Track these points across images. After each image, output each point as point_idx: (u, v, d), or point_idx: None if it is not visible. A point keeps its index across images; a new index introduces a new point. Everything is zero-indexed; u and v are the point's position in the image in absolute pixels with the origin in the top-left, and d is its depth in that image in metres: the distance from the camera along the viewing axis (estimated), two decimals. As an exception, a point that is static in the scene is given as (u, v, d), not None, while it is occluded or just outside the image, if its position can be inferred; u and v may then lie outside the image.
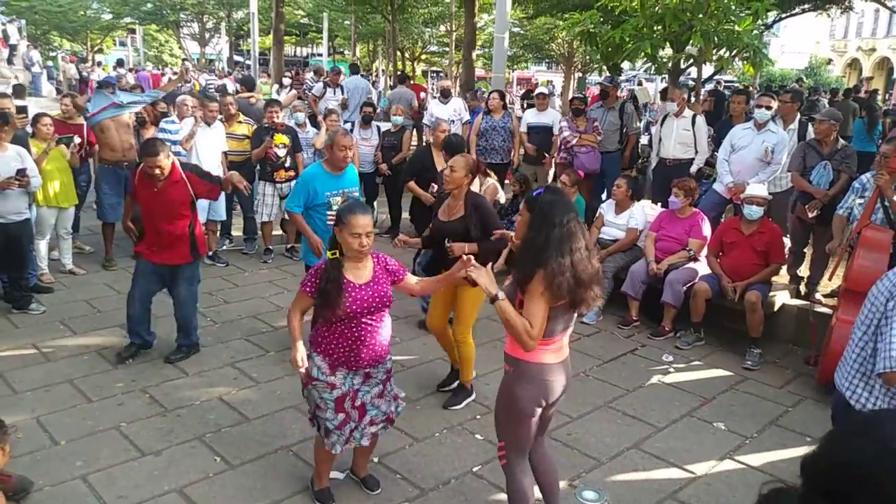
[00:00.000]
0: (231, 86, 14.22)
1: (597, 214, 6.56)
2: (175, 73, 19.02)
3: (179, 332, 5.04)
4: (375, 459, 3.81)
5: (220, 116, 7.21)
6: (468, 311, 4.41)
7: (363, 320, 3.15)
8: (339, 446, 3.26)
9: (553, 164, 8.28)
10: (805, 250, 6.33)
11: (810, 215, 5.78)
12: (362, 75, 13.81)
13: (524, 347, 2.76)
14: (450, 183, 4.27)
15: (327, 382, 3.18)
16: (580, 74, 30.80)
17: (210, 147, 6.92)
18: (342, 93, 11.18)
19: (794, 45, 43.28)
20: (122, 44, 43.98)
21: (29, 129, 6.35)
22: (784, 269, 6.08)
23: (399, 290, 3.42)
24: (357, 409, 3.27)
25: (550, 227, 2.71)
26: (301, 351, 3.18)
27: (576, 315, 2.92)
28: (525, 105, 11.07)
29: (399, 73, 16.66)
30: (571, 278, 2.67)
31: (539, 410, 2.90)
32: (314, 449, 3.45)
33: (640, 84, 18.15)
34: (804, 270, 6.33)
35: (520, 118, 8.85)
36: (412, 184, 6.54)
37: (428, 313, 4.61)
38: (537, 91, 9.62)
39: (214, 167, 6.83)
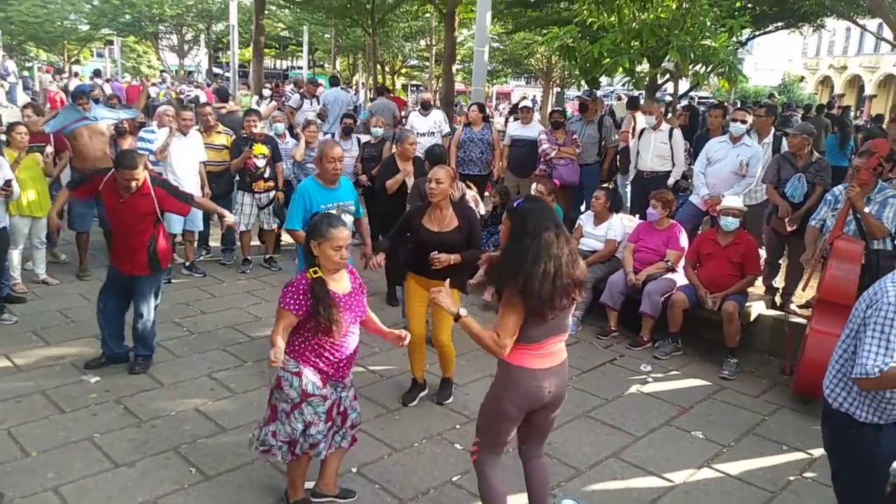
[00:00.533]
0: (204, 97, 14.19)
1: (575, 226, 6.61)
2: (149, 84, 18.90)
3: (137, 342, 4.95)
4: (354, 469, 3.77)
5: (197, 126, 7.16)
6: (446, 316, 4.42)
7: (348, 330, 3.18)
8: (324, 452, 3.28)
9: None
10: (780, 261, 6.42)
11: (789, 229, 5.87)
12: (342, 88, 13.82)
13: (496, 355, 2.85)
14: (437, 195, 4.33)
15: (321, 395, 3.18)
16: (559, 89, 31.11)
17: (186, 157, 6.85)
18: (318, 104, 11.21)
19: (768, 62, 44.13)
20: (100, 55, 43.59)
21: (3, 138, 6.27)
22: (759, 280, 6.16)
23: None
24: (340, 415, 3.32)
25: (527, 237, 2.76)
26: (280, 348, 3.03)
27: (569, 320, 2.97)
28: (512, 119, 11.17)
29: (378, 85, 16.73)
30: (544, 287, 2.71)
31: (520, 414, 2.93)
32: (288, 466, 3.40)
33: (618, 99, 18.36)
34: (779, 281, 6.41)
35: (501, 132, 8.89)
36: (389, 182, 6.60)
37: (410, 323, 4.60)
38: (521, 105, 9.67)
39: (191, 177, 6.79)
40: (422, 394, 4.72)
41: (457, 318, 2.89)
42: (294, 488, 3.43)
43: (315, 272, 3.10)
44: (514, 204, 2.95)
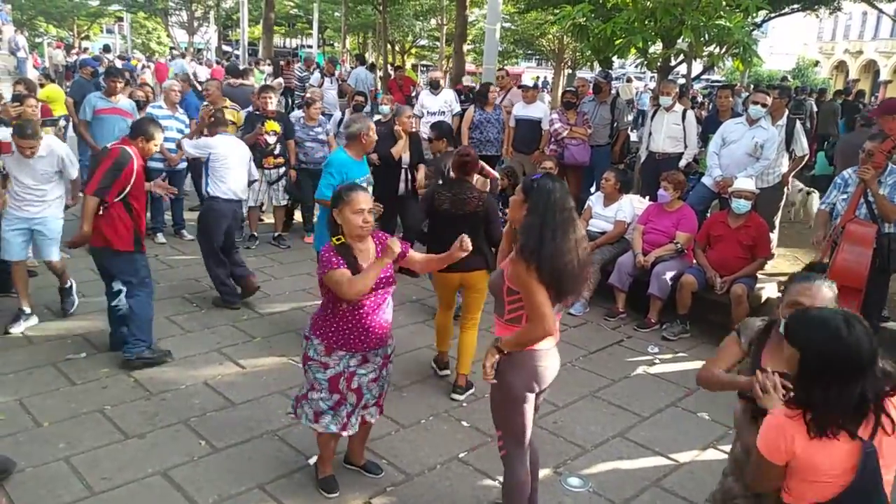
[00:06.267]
0: (206, 74, 14.42)
1: (585, 207, 6.58)
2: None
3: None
4: (361, 444, 3.80)
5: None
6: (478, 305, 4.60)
7: (367, 301, 3.12)
8: (333, 426, 3.25)
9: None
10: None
11: None
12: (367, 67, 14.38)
13: (543, 337, 2.75)
14: None
15: (320, 362, 3.18)
16: (570, 71, 30.81)
17: None
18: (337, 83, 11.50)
19: (783, 46, 43.54)
20: (110, 31, 43.55)
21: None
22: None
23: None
24: (354, 392, 3.24)
25: (548, 212, 2.69)
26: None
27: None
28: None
29: (357, 54, 17.31)
30: (564, 263, 2.67)
31: (532, 396, 2.90)
32: (316, 437, 3.41)
33: (629, 81, 18.17)
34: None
35: (509, 112, 8.84)
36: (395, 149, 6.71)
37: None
38: (523, 83, 9.62)
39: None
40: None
41: (498, 350, 2.81)
42: (321, 462, 3.47)
43: (338, 239, 3.10)
44: (531, 179, 2.86)
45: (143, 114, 7.33)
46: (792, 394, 2.12)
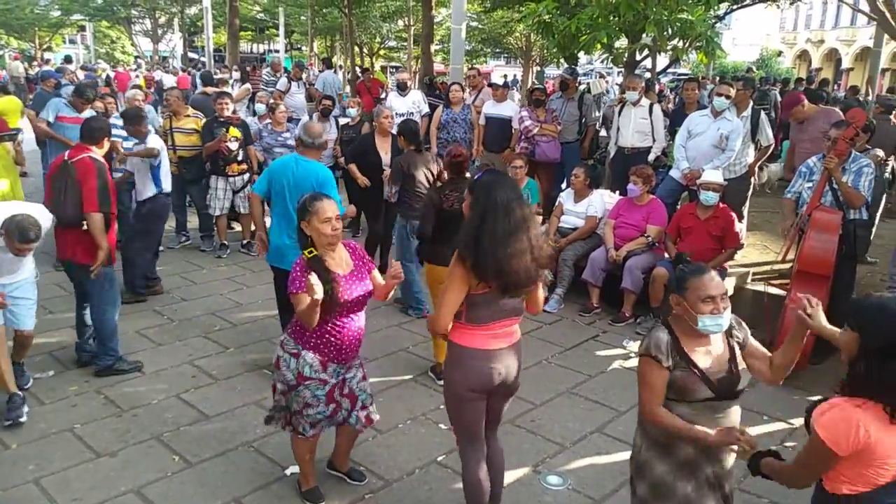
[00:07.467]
0: (172, 81, 14.28)
1: (556, 203, 6.60)
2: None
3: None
4: (339, 452, 3.76)
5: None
6: None
7: (351, 312, 3.10)
8: (325, 428, 3.26)
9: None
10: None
11: None
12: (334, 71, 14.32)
13: (436, 331, 2.88)
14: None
15: (320, 380, 3.13)
16: (538, 68, 30.97)
17: None
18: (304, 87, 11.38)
19: (746, 37, 44.24)
20: (73, 41, 42.81)
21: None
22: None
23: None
24: (347, 397, 3.25)
25: (482, 209, 2.69)
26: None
27: (523, 303, 2.89)
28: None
29: (324, 58, 17.34)
30: (497, 260, 2.63)
31: (473, 395, 2.84)
32: (293, 450, 3.37)
33: (601, 76, 18.30)
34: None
35: (479, 112, 8.85)
36: (352, 166, 6.62)
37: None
38: (492, 81, 9.62)
39: None
40: None
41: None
42: (304, 476, 3.42)
43: (310, 252, 3.05)
44: (476, 177, 2.88)
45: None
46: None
